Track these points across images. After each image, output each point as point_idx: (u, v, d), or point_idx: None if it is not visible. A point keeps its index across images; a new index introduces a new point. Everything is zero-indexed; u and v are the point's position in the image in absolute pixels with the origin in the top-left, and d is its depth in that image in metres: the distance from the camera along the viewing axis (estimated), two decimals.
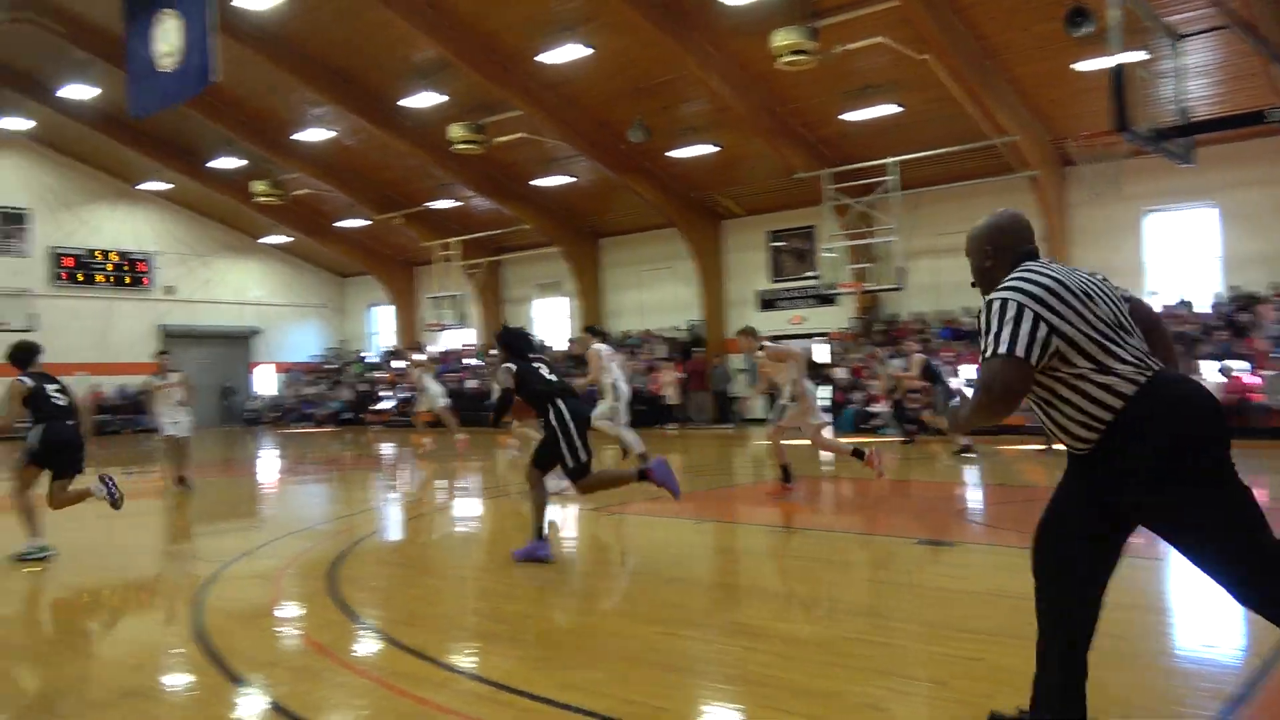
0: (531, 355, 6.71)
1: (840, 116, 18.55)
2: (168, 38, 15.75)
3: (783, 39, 15.26)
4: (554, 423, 6.35)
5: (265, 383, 32.99)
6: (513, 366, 6.54)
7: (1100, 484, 2.73)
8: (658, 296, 25.47)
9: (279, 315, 33.09)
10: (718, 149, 20.50)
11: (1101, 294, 2.77)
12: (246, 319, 32.26)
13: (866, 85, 17.48)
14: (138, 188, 28.98)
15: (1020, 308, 2.67)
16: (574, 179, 23.22)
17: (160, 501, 10.82)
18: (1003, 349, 2.64)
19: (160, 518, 9.90)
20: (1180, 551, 2.67)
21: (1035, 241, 2.98)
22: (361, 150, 24.17)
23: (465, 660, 4.32)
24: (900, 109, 17.92)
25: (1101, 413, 2.66)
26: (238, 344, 32.30)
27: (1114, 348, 2.68)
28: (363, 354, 32.29)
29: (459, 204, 25.97)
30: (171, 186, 28.61)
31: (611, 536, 7.84)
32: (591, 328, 13.23)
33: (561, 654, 4.37)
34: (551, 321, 28.00)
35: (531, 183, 23.74)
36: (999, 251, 2.95)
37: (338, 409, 28.57)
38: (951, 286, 20.01)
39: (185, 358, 30.37)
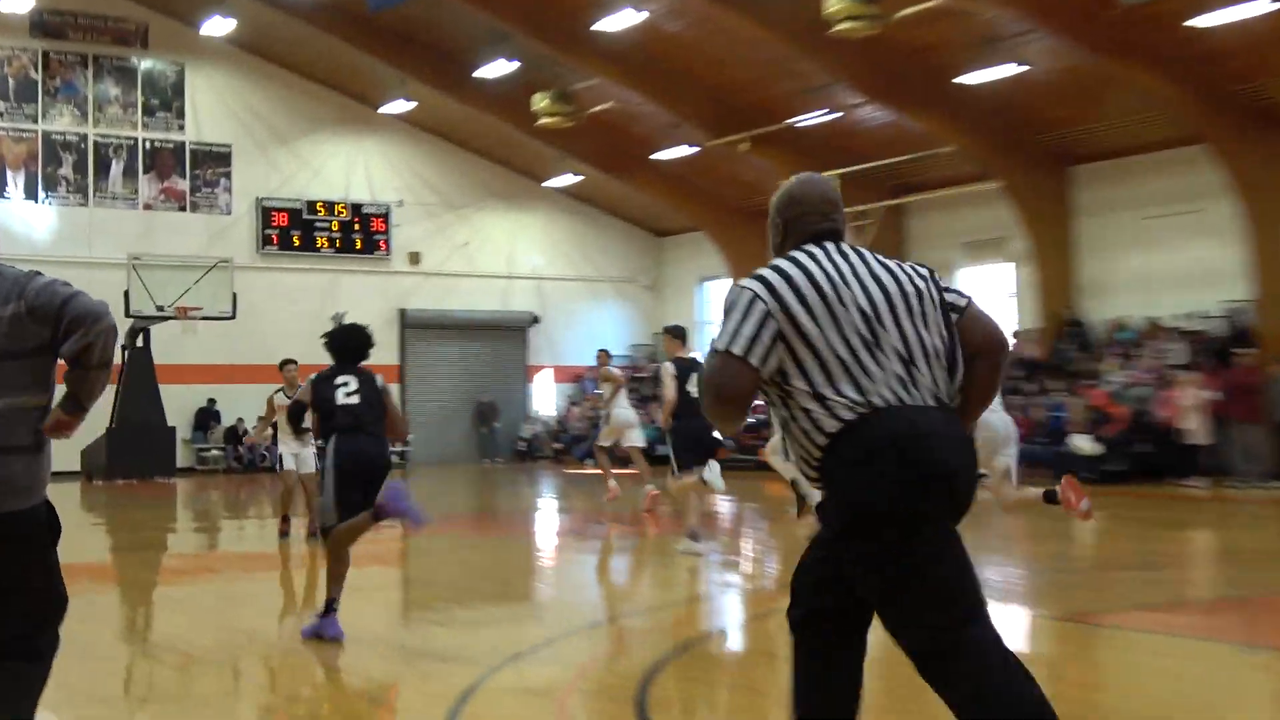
0: (352, 368, 8.09)
1: None
2: None
3: None
4: (323, 460, 7.85)
5: (544, 397, 35.01)
6: (314, 376, 8.06)
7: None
8: (1172, 262, 24.42)
9: (566, 294, 35.06)
10: (1276, 7, 19.17)
11: (887, 299, 3.45)
12: (519, 301, 34.43)
13: None
14: (377, 111, 31.77)
15: (754, 299, 3.49)
16: (1026, 68, 22.63)
17: (385, 568, 11.70)
18: (721, 343, 3.44)
19: (389, 592, 10.69)
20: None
21: (835, 218, 3.74)
22: (691, 41, 25.03)
23: None
24: None
25: (810, 447, 3.40)
26: (507, 339, 34.59)
27: (858, 368, 3.33)
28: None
29: (838, 116, 26.18)
30: (416, 105, 31.03)
31: (1088, 662, 7.68)
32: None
33: None
34: (991, 298, 27.46)
35: (956, 80, 23.44)
36: (789, 225, 3.80)
37: (651, 438, 29.63)
38: None
39: (432, 357, 32.83)
